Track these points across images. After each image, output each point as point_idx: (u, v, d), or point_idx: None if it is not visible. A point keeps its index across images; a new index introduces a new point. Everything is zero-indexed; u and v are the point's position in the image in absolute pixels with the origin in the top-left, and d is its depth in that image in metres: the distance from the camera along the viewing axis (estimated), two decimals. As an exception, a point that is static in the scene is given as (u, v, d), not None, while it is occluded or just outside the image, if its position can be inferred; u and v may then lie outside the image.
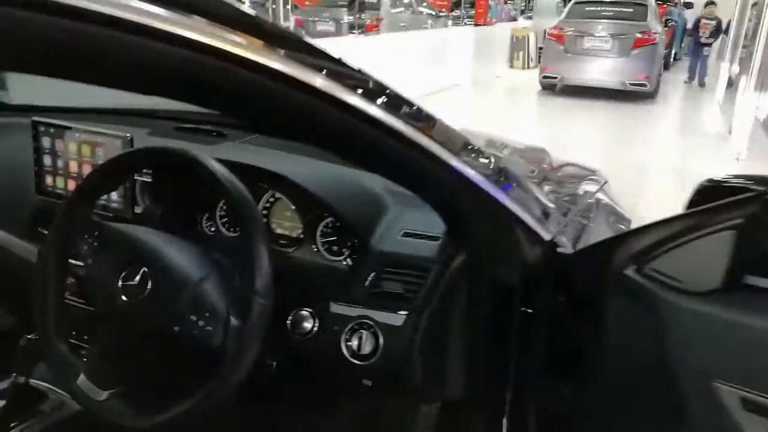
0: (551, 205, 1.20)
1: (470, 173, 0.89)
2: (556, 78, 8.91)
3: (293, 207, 1.18)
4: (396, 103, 0.74)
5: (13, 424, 1.12)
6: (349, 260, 1.15)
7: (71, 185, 1.27)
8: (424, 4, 11.74)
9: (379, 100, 0.71)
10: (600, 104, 8.43)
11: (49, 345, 0.97)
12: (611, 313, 0.98)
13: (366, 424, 1.49)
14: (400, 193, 1.18)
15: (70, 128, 1.24)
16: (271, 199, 1.22)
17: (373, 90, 0.72)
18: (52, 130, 1.26)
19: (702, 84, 10.22)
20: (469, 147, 0.94)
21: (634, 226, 1.82)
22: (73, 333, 1.00)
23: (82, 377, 0.94)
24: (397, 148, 0.74)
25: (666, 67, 10.72)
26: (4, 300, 1.52)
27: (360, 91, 0.69)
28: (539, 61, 10.12)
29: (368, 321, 1.02)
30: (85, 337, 1.00)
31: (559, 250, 1.08)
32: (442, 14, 12.14)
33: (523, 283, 1.07)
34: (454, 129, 0.92)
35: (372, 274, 1.04)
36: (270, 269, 0.86)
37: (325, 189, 1.10)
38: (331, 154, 0.77)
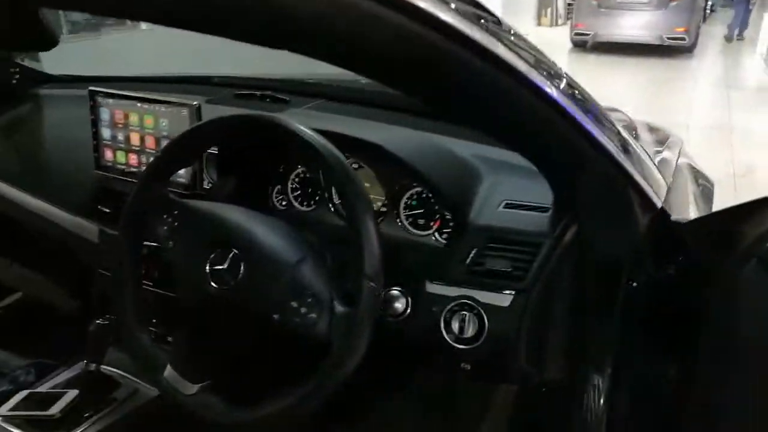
0: (655, 166, 1.09)
1: (593, 129, 0.78)
2: (588, 34, 8.56)
3: (375, 177, 1.08)
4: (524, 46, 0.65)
5: (87, 414, 1.06)
6: (436, 235, 1.05)
7: (133, 159, 1.19)
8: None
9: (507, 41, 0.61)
10: (636, 60, 8.09)
11: (130, 335, 0.90)
12: (743, 287, 0.88)
13: (457, 407, 1.41)
14: (493, 160, 1.08)
15: (131, 98, 1.15)
16: None
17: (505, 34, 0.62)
18: (110, 100, 1.17)
19: (741, 37, 9.70)
20: (588, 100, 0.83)
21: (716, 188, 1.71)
22: (155, 322, 0.92)
23: (168, 369, 0.86)
24: (524, 95, 0.64)
25: (703, 19, 10.24)
26: (66, 283, 1.47)
27: (495, 35, 0.59)
28: (568, 18, 9.72)
29: (471, 302, 0.92)
30: (169, 326, 0.91)
31: (672, 218, 0.98)
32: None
33: (632, 255, 0.98)
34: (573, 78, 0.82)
35: (473, 251, 0.94)
36: (380, 250, 0.77)
37: (414, 156, 1.00)
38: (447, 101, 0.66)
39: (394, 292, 0.96)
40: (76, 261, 1.51)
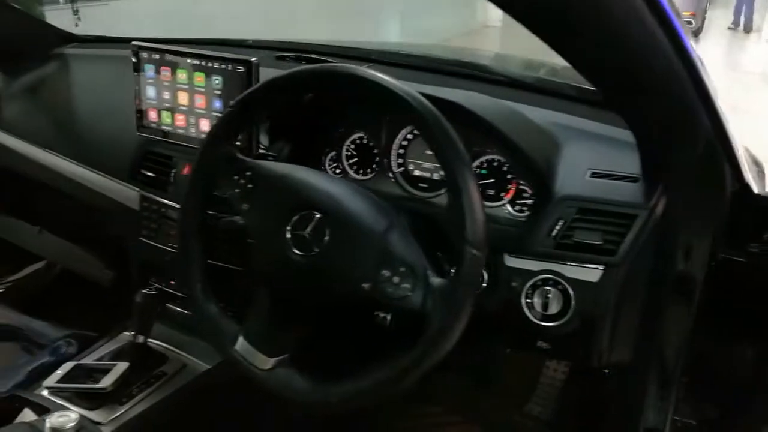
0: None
1: (713, 95, 0.72)
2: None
3: None
4: None
5: (137, 387, 1.01)
6: (509, 206, 0.99)
7: (180, 120, 1.11)
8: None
9: None
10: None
11: (198, 306, 0.84)
12: None
13: (504, 381, 1.37)
14: (572, 128, 1.02)
15: (180, 53, 1.07)
16: (409, 135, 1.06)
17: None
18: (156, 56, 1.10)
19: (749, 29, 9.48)
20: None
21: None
22: (224, 294, 0.86)
23: (241, 341, 0.80)
24: (667, 47, 0.58)
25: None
26: (100, 252, 1.40)
27: None
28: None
29: (556, 277, 0.87)
30: (238, 299, 0.85)
31: (756, 192, 0.94)
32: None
33: (717, 231, 0.93)
34: None
35: (560, 222, 0.89)
36: (484, 214, 0.71)
37: (496, 119, 0.93)
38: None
39: None
40: (110, 229, 1.45)
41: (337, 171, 1.12)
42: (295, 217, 0.76)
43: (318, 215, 0.75)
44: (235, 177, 0.82)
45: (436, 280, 0.72)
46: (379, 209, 0.77)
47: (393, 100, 0.75)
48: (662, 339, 0.98)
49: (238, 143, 0.99)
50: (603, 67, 0.62)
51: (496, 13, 9.42)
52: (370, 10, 7.27)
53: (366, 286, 0.73)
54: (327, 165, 1.13)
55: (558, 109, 1.06)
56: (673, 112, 0.73)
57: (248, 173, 0.81)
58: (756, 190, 0.94)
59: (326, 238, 0.74)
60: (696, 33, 8.25)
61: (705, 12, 8.57)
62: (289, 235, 0.76)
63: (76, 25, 0.88)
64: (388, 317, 0.83)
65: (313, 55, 1.35)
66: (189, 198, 0.84)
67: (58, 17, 1.62)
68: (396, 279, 0.72)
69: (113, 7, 3.55)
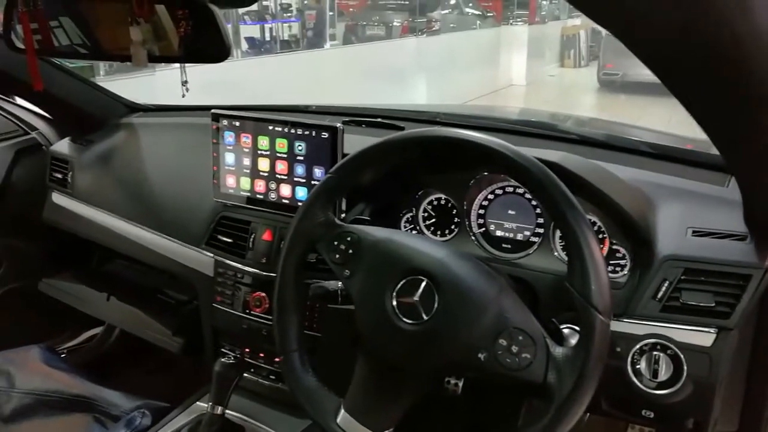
0: None
1: None
2: (617, 74, 8.57)
3: (528, 202, 1.00)
4: None
5: (217, 462, 0.97)
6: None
7: (259, 186, 1.12)
8: (470, 4, 11.51)
9: None
10: (667, 101, 8.05)
11: (297, 377, 0.81)
12: None
13: None
14: (664, 186, 0.99)
15: (262, 120, 1.08)
16: (490, 196, 1.04)
17: None
18: (237, 123, 1.11)
19: None
20: None
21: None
22: (320, 359, 0.83)
23: (343, 415, 0.77)
24: None
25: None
26: (168, 319, 1.39)
27: None
28: (590, 59, 9.72)
29: (664, 341, 0.82)
30: (329, 364, 0.82)
31: None
32: (489, 14, 11.89)
33: None
34: None
35: (665, 284, 0.85)
36: (608, 278, 0.68)
37: (594, 179, 0.91)
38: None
39: (566, 330, 0.87)
40: (181, 296, 1.44)
41: (413, 233, 1.10)
42: (401, 283, 0.74)
43: (425, 281, 0.73)
44: (335, 242, 0.80)
45: (558, 350, 0.68)
46: (487, 273, 0.75)
47: (505, 162, 0.73)
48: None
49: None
50: (735, 119, 0.60)
51: (521, 73, 9.62)
52: (397, 73, 7.48)
53: (482, 356, 0.69)
54: (403, 226, 1.11)
55: (639, 166, 1.04)
56: None
57: (348, 238, 0.80)
58: None
59: (436, 305, 0.72)
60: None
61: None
62: (394, 303, 0.74)
63: (183, 96, 0.90)
64: (460, 384, 0.79)
65: (379, 119, 1.36)
66: (286, 265, 0.83)
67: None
68: (515, 348, 0.68)
69: (159, 77, 3.68)
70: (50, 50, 0.98)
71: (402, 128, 1.33)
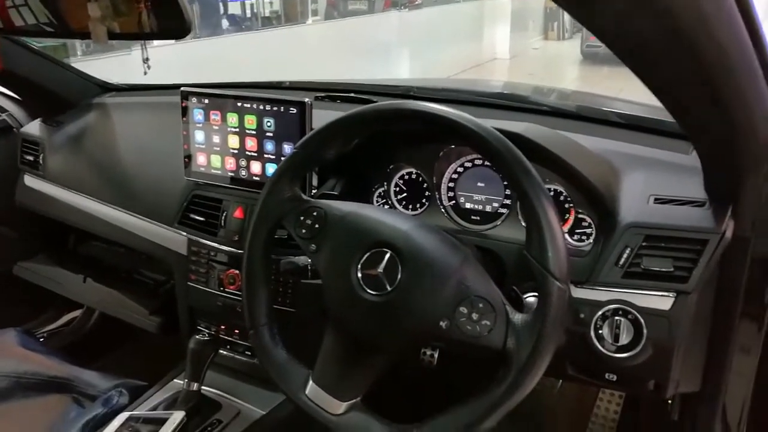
0: None
1: None
2: (600, 47, 8.51)
3: (497, 174, 1.01)
4: None
5: (194, 437, 0.98)
6: (568, 236, 0.98)
7: (230, 164, 1.11)
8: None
9: None
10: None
11: (267, 351, 0.82)
12: None
13: (580, 421, 1.33)
14: (627, 155, 1.01)
15: (230, 97, 1.08)
16: (460, 169, 1.05)
17: None
18: (206, 100, 1.10)
19: None
20: None
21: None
22: (295, 334, 0.84)
23: (311, 386, 0.78)
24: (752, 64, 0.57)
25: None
26: (144, 299, 1.39)
27: None
28: (573, 32, 9.68)
29: (626, 306, 0.84)
30: (293, 341, 0.83)
31: None
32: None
33: None
34: None
35: (626, 251, 0.86)
36: (565, 247, 0.69)
37: (557, 148, 0.92)
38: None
39: (531, 298, 0.88)
40: (156, 275, 1.44)
41: (386, 207, 1.11)
42: (366, 256, 0.75)
43: (389, 253, 0.74)
44: (302, 217, 0.81)
45: (517, 316, 0.70)
46: (451, 244, 0.76)
47: (466, 134, 0.74)
48: (731, 366, 0.95)
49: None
50: (692, 94, 0.60)
51: (504, 46, 9.57)
52: (380, 47, 7.42)
53: (443, 324, 0.70)
54: (375, 201, 1.12)
55: (604, 136, 1.05)
56: (754, 140, 0.71)
57: (314, 213, 0.80)
58: None
59: (399, 275, 0.73)
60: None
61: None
62: (359, 275, 0.75)
63: (145, 73, 0.89)
64: (435, 354, 0.80)
65: (352, 94, 1.36)
66: (254, 239, 0.83)
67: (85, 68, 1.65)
68: (475, 316, 0.70)
69: (135, 56, 3.61)
70: (13, 29, 0.97)
71: (374, 102, 1.33)
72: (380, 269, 0.73)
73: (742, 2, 0.47)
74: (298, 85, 1.50)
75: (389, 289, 0.73)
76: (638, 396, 1.28)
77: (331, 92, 1.37)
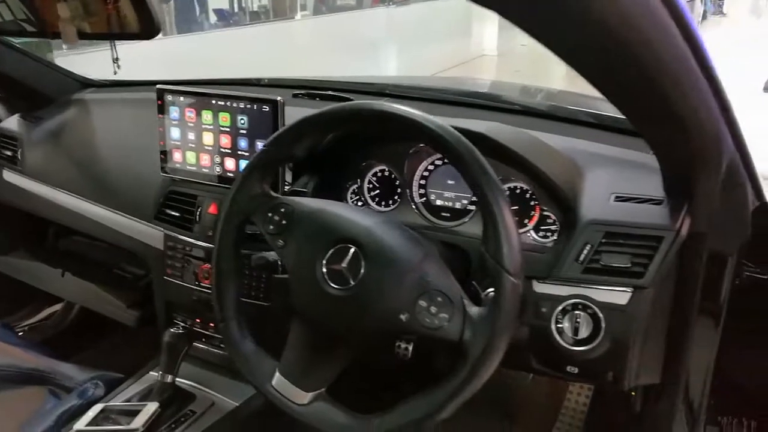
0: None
1: (736, 122, 0.74)
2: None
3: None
4: None
5: (168, 427, 1.00)
6: (533, 232, 1.01)
7: (204, 161, 1.13)
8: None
9: None
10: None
11: (234, 344, 0.84)
12: None
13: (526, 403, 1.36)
14: (591, 153, 1.04)
15: (205, 95, 1.09)
16: (431, 167, 1.07)
17: None
18: (181, 98, 1.12)
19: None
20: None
21: None
22: (258, 326, 0.87)
23: (278, 377, 0.81)
24: (696, 77, 0.60)
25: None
26: (122, 293, 1.41)
27: None
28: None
29: (585, 301, 0.87)
30: (267, 334, 0.86)
31: None
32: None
33: (741, 249, 0.94)
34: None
35: (586, 247, 0.89)
36: (519, 243, 0.72)
37: (520, 148, 0.95)
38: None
39: (493, 294, 0.91)
40: (134, 269, 1.46)
41: (359, 203, 1.13)
42: (330, 251, 0.77)
43: (353, 249, 0.76)
44: (270, 214, 0.83)
45: (473, 309, 0.73)
46: (413, 240, 0.78)
47: (425, 133, 0.76)
48: (690, 359, 0.98)
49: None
50: (635, 95, 0.63)
51: (492, 43, 9.60)
52: (368, 43, 7.42)
53: (403, 317, 0.73)
54: (349, 198, 1.14)
55: (575, 136, 1.08)
56: (701, 139, 0.74)
57: (282, 209, 0.83)
58: None
59: (362, 271, 0.75)
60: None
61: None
62: (324, 270, 0.77)
63: (115, 73, 0.91)
64: (410, 348, 0.83)
65: (329, 92, 1.38)
66: (223, 234, 0.86)
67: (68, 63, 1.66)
68: (433, 309, 0.72)
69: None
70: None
71: (350, 100, 1.35)
72: (344, 264, 0.76)
73: (680, 22, 0.50)
74: (276, 82, 1.51)
75: (352, 283, 0.75)
76: (601, 388, 1.32)
77: (308, 89, 1.40)
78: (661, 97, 0.63)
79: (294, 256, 0.80)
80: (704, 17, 14.01)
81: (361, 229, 0.77)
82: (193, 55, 4.49)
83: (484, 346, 0.70)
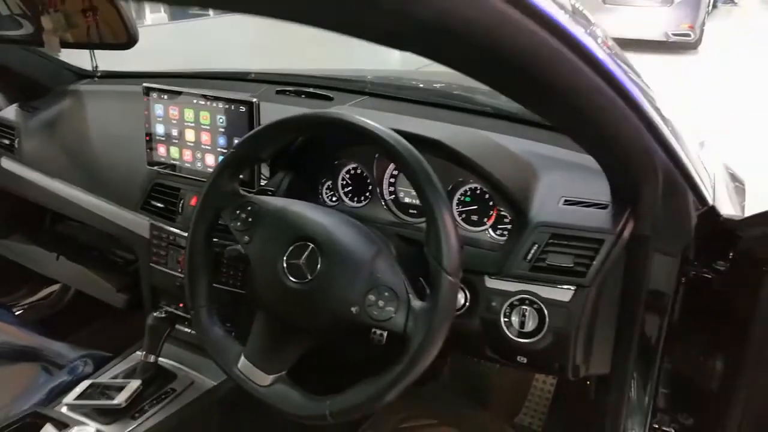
0: (703, 165, 1.12)
1: (667, 134, 0.80)
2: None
3: None
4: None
5: (149, 403, 1.09)
6: (490, 231, 1.07)
7: (187, 155, 1.20)
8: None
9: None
10: (640, 58, 8.10)
11: (204, 328, 0.92)
12: None
13: (495, 393, 1.44)
14: (548, 157, 1.10)
15: (187, 94, 1.16)
16: None
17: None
18: (165, 96, 1.19)
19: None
20: (659, 105, 0.85)
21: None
22: (228, 314, 0.94)
23: (243, 361, 0.88)
24: (609, 95, 0.66)
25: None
26: (112, 278, 1.49)
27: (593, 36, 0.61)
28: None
29: (531, 297, 0.94)
30: (242, 319, 0.94)
31: (724, 214, 1.01)
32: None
33: (685, 251, 1.00)
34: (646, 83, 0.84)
35: (534, 247, 0.96)
36: (458, 244, 0.79)
37: (474, 152, 1.01)
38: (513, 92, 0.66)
39: None
40: (123, 255, 1.54)
41: (334, 199, 1.20)
42: (291, 248, 0.85)
43: (311, 246, 0.84)
44: (237, 211, 0.90)
45: (417, 303, 0.80)
46: (367, 238, 0.85)
47: (377, 142, 0.83)
48: (637, 352, 1.05)
49: (241, 177, 1.08)
50: (555, 114, 0.69)
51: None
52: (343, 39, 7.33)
53: (354, 309, 0.81)
54: (324, 194, 1.21)
55: (539, 140, 1.14)
56: (630, 153, 0.81)
57: (249, 208, 0.90)
58: (723, 212, 1.01)
59: (319, 266, 0.83)
60: (695, 45, 8.35)
61: (704, 24, 8.65)
62: (285, 264, 0.84)
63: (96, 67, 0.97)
64: (384, 335, 0.90)
65: (311, 89, 1.44)
66: (196, 228, 0.93)
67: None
68: (381, 303, 0.80)
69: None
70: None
71: (330, 98, 1.42)
72: (302, 260, 0.83)
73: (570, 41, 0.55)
74: (262, 77, 1.58)
75: (310, 278, 0.83)
76: (562, 378, 1.39)
77: (292, 85, 1.46)
78: (579, 118, 0.70)
79: (258, 251, 0.88)
80: (714, 6, 13.84)
81: (318, 228, 0.85)
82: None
83: (423, 337, 0.77)
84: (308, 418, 0.83)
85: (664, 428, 1.12)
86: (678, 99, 6.13)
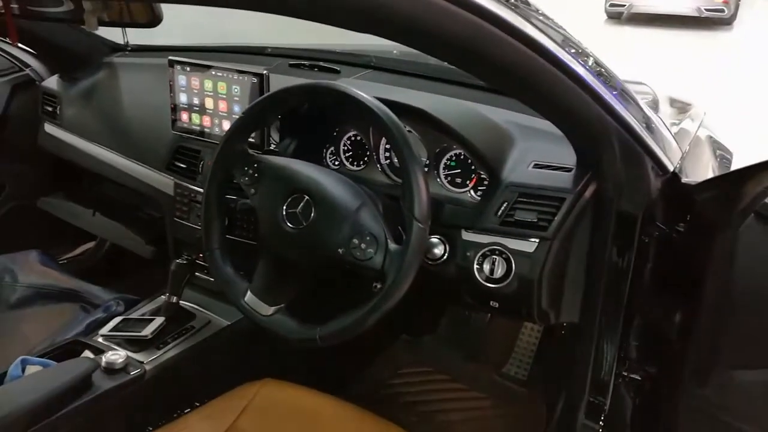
0: (671, 135, 1.21)
1: (615, 103, 0.91)
2: (624, 6, 8.44)
3: (419, 139, 1.23)
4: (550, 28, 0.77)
5: (171, 336, 1.25)
6: (472, 192, 1.19)
7: (206, 121, 1.35)
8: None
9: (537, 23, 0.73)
10: (673, 33, 7.96)
11: (217, 267, 1.08)
12: (742, 239, 1.00)
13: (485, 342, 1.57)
14: (524, 126, 1.21)
15: (206, 66, 1.30)
16: None
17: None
18: (188, 68, 1.33)
19: None
20: (613, 77, 0.96)
21: (735, 158, 1.81)
22: (244, 260, 1.09)
23: (249, 295, 1.04)
24: (551, 72, 0.77)
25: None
26: (142, 231, 1.67)
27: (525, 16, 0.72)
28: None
29: (500, 248, 1.07)
30: (250, 261, 1.09)
31: (683, 180, 1.10)
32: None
33: (645, 212, 1.10)
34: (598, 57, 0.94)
35: (504, 204, 1.08)
36: (428, 197, 0.92)
37: (455, 121, 1.14)
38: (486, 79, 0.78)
39: (434, 239, 1.11)
40: (151, 211, 1.71)
41: (336, 163, 1.33)
42: (289, 199, 0.99)
43: (306, 197, 0.98)
44: (246, 168, 1.05)
45: (393, 246, 0.94)
46: (353, 192, 0.99)
47: (363, 110, 0.96)
48: (604, 304, 1.16)
49: (252, 140, 1.22)
50: (507, 87, 0.81)
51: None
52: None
53: (340, 251, 0.95)
54: (327, 158, 1.34)
55: (516, 110, 1.25)
56: (583, 121, 0.92)
57: (255, 165, 1.05)
58: (684, 178, 1.11)
59: (312, 215, 0.97)
60: (729, 20, 8.15)
61: (739, -1, 8.42)
62: (284, 213, 0.99)
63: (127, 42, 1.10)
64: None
65: (321, 63, 1.57)
66: (210, 183, 1.08)
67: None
68: (363, 245, 0.94)
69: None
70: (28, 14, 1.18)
71: (338, 71, 1.55)
72: (299, 209, 0.98)
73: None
74: (278, 51, 1.71)
75: (304, 224, 0.98)
76: (550, 331, 1.52)
77: (303, 59, 1.60)
78: (528, 90, 0.81)
79: (262, 201, 1.03)
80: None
81: (312, 183, 0.99)
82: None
83: (396, 273, 0.91)
84: (301, 341, 0.99)
85: (632, 375, 1.23)
86: (710, 76, 6.08)
